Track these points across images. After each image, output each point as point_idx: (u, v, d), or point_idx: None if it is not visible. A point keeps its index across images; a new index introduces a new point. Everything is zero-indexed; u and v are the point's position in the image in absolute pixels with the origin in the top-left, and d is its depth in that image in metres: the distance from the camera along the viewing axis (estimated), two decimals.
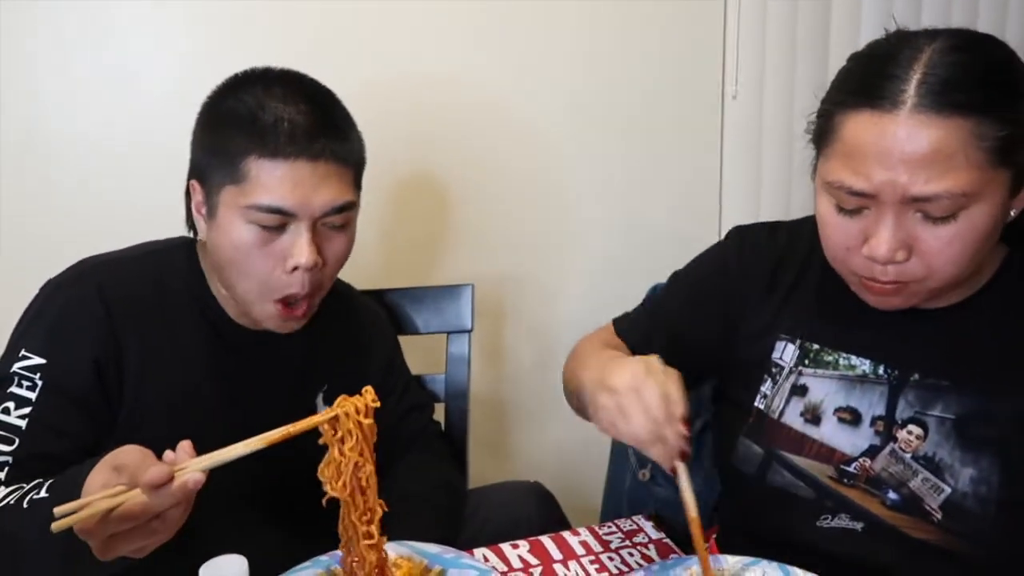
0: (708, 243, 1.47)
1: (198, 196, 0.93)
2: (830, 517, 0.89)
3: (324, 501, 0.74)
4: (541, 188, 1.56)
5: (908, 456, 0.87)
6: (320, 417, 0.72)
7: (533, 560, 0.93)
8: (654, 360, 0.82)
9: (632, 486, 1.29)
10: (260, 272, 0.90)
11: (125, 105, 1.33)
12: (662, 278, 1.30)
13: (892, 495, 0.87)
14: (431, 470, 1.07)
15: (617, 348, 1.03)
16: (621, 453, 1.33)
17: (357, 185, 0.95)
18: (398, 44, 1.42)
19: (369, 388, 0.75)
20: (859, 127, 0.77)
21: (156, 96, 1.33)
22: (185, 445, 0.71)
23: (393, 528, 0.80)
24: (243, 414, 0.96)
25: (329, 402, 0.76)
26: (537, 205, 1.57)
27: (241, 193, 0.88)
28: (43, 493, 0.77)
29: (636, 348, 1.02)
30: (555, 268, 1.58)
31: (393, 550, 0.90)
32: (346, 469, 0.74)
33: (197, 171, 0.94)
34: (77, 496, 0.69)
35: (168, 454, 0.69)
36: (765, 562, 0.85)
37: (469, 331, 1.27)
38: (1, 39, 1.25)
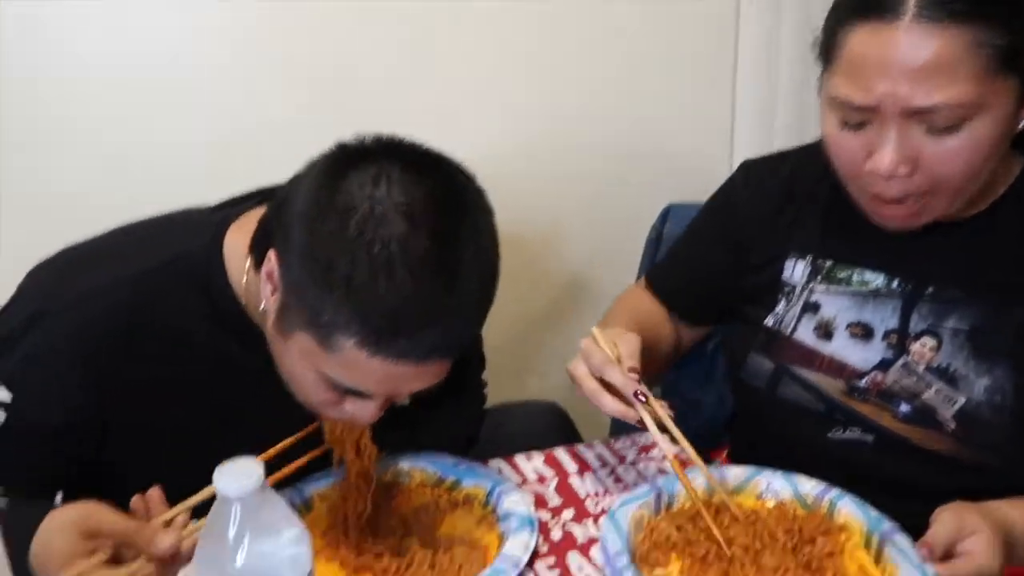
0: (720, 165, 1.45)
1: (271, 267, 0.73)
2: (841, 430, 0.91)
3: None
4: (548, 111, 1.51)
5: (921, 368, 0.87)
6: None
7: (548, 472, 0.94)
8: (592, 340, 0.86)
9: None
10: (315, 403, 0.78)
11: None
12: (675, 200, 1.30)
13: (904, 407, 0.88)
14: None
15: (649, 300, 1.09)
16: None
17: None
18: None
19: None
20: (861, 40, 0.77)
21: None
22: (155, 495, 0.69)
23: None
24: (256, 442, 0.77)
25: None
26: (547, 130, 1.53)
27: (322, 359, 0.71)
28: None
29: (664, 295, 1.09)
30: (564, 194, 1.56)
31: (407, 461, 0.92)
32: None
33: (281, 255, 0.71)
34: (26, 545, 0.66)
35: (139, 503, 0.68)
36: (769, 471, 0.87)
37: None
38: None
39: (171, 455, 0.74)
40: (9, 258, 0.95)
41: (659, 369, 1.07)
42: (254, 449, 0.61)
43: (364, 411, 0.76)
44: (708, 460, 0.95)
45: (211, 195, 0.92)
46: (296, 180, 0.73)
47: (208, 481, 0.57)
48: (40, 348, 0.79)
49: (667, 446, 0.84)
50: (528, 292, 1.53)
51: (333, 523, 0.83)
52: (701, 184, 1.12)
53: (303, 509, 0.86)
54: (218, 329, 0.81)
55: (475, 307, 0.72)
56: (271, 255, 0.72)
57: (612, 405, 0.82)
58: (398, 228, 0.66)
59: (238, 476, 0.55)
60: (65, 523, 0.66)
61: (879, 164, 0.79)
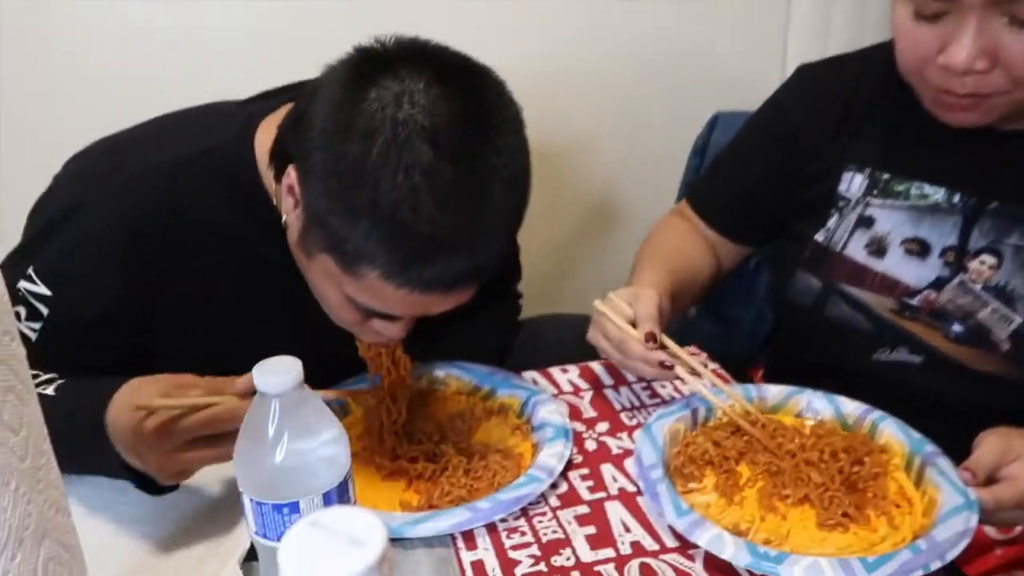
0: (773, 70, 1.37)
1: (291, 182, 0.70)
2: (888, 350, 0.88)
3: None
4: (586, 5, 1.43)
5: (978, 287, 0.84)
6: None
7: (583, 384, 0.93)
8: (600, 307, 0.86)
9: (678, 322, 1.28)
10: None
11: None
12: (724, 108, 1.24)
13: (957, 327, 0.85)
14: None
15: (689, 219, 1.05)
16: None
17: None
18: None
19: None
20: None
21: None
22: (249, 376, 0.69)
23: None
24: (293, 339, 0.74)
25: None
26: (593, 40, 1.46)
27: (346, 283, 0.70)
28: (50, 391, 0.74)
29: (706, 211, 1.03)
30: (604, 100, 1.50)
31: (442, 369, 0.91)
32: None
33: (302, 173, 0.69)
34: (102, 402, 0.68)
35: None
36: (810, 391, 0.85)
37: None
38: None
39: (209, 350, 0.74)
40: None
41: (697, 301, 1.04)
42: (290, 345, 0.60)
43: (391, 330, 0.75)
44: (746, 379, 0.93)
45: None
46: (314, 90, 0.69)
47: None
48: (78, 240, 0.78)
49: (713, 398, 0.83)
50: (564, 204, 1.49)
51: (369, 428, 0.84)
52: (752, 91, 1.06)
53: (339, 412, 0.86)
54: (250, 224, 0.80)
55: (504, 231, 0.69)
56: (291, 171, 0.70)
57: (646, 371, 0.82)
58: (423, 155, 0.63)
59: (277, 373, 0.54)
60: (151, 379, 0.68)
61: (954, 58, 0.74)
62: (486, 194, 0.66)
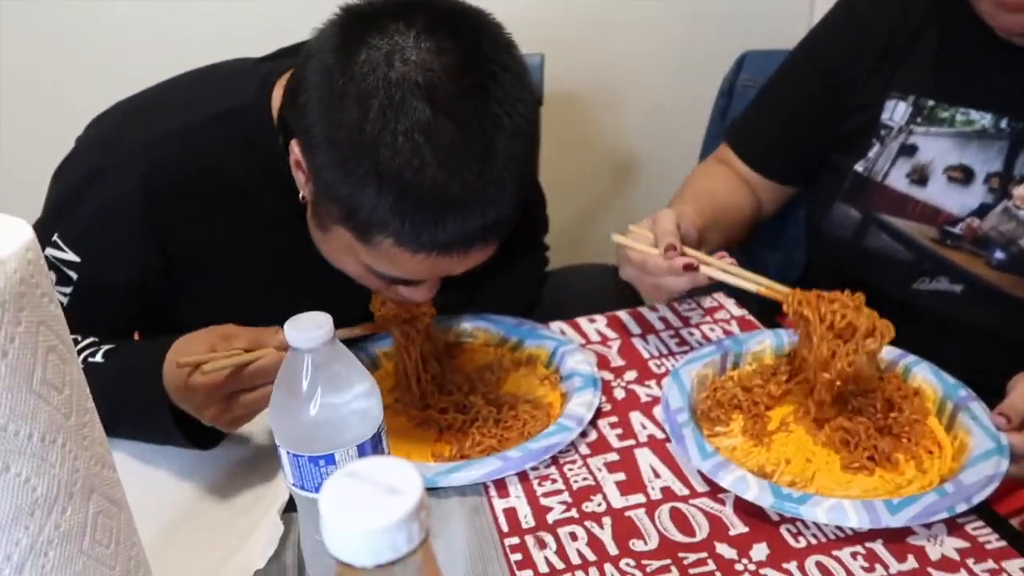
0: (800, 8, 1.32)
1: (297, 157, 0.70)
2: (928, 279, 0.88)
3: None
4: None
5: (1022, 212, 0.83)
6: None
7: (611, 334, 0.93)
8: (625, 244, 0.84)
9: None
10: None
11: None
12: (751, 47, 1.21)
13: (999, 254, 0.85)
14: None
15: (728, 163, 1.03)
16: None
17: None
18: None
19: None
20: None
21: None
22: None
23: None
24: (314, 295, 0.74)
25: None
26: None
27: (363, 252, 0.69)
28: (98, 358, 0.75)
29: (746, 156, 1.02)
30: (626, 40, 1.46)
31: (469, 322, 0.92)
32: None
33: (305, 148, 0.67)
34: (155, 364, 0.69)
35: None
36: None
37: (539, 106, 1.20)
38: None
39: (234, 308, 0.75)
40: None
41: (734, 240, 1.02)
42: (313, 301, 0.61)
43: (416, 294, 0.75)
44: (774, 325, 0.93)
45: None
46: (306, 58, 0.67)
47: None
48: (102, 204, 0.78)
49: (749, 285, 0.80)
50: (588, 151, 1.47)
51: (398, 380, 0.85)
52: (780, 28, 1.04)
53: (369, 366, 0.87)
54: (270, 186, 0.79)
55: (512, 183, 0.66)
56: (294, 147, 0.69)
57: (677, 282, 0.79)
58: (421, 115, 0.62)
59: (308, 328, 0.55)
60: (201, 331, 0.70)
61: None
62: (490, 147, 0.64)
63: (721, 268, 0.81)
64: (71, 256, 0.79)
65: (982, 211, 0.85)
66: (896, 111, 0.89)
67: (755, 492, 0.67)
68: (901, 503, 0.65)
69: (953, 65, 0.87)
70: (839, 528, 0.66)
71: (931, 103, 0.88)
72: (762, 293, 0.79)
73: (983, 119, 0.85)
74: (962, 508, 0.65)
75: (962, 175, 0.86)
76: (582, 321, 0.95)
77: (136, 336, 0.87)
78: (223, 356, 0.67)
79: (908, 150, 0.89)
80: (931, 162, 0.87)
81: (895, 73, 0.90)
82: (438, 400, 0.82)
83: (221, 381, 0.67)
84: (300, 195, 0.73)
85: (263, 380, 0.67)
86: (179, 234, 0.80)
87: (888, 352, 0.82)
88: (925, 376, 0.79)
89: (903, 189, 0.89)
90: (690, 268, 0.78)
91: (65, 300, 0.79)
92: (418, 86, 0.62)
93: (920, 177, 0.88)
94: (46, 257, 0.78)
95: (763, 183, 1.02)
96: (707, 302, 0.97)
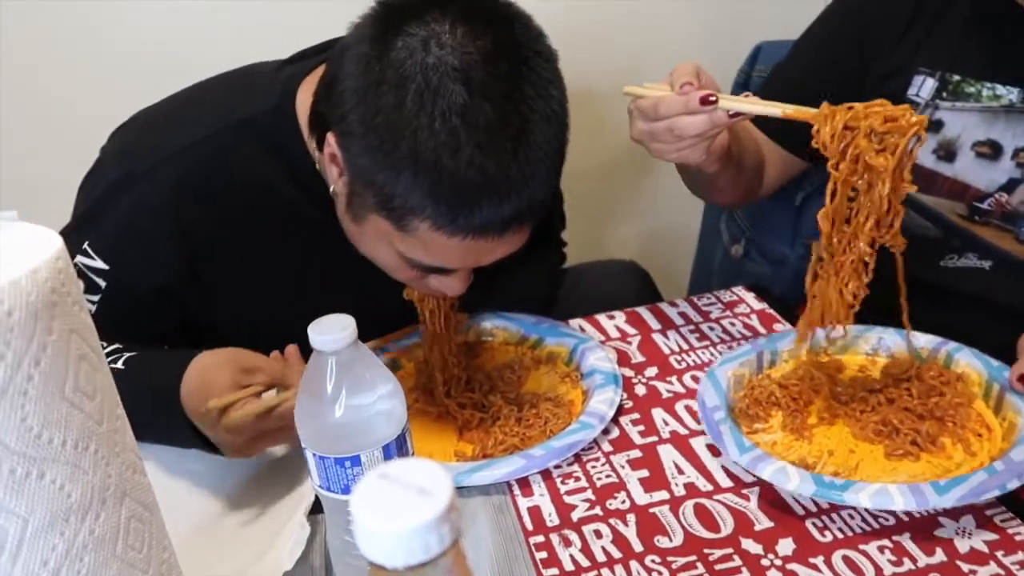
0: None
1: (332, 149, 0.70)
2: (956, 256, 0.88)
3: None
4: None
5: None
6: None
7: (631, 330, 0.93)
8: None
9: (723, 263, 1.27)
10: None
11: None
12: (767, 38, 1.20)
13: None
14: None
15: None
16: (712, 230, 1.29)
17: None
18: None
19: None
20: None
21: None
22: (293, 350, 0.72)
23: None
24: (342, 297, 0.73)
25: None
26: None
27: (399, 240, 0.70)
28: (119, 365, 0.76)
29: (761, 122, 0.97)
30: (641, 30, 1.45)
31: (489, 321, 0.92)
32: None
33: (341, 137, 0.68)
34: (172, 385, 0.71)
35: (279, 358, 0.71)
36: (880, 328, 0.83)
37: None
38: None
39: (262, 313, 0.75)
40: None
41: (740, 182, 0.95)
42: (340, 304, 0.61)
43: (449, 285, 0.75)
44: (791, 317, 0.92)
45: None
46: (342, 50, 0.68)
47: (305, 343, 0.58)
48: (130, 212, 0.79)
49: (773, 110, 0.72)
50: (603, 145, 1.46)
51: (420, 380, 0.85)
52: (796, 19, 1.02)
53: (391, 367, 0.87)
54: (297, 190, 0.80)
55: (548, 166, 0.68)
56: (330, 138, 0.69)
57: (692, 122, 0.72)
58: (457, 97, 0.63)
59: (332, 330, 0.55)
60: (221, 360, 0.71)
61: None
62: (525, 130, 0.65)
63: (740, 99, 0.74)
64: (100, 264, 0.80)
65: (1011, 186, 0.85)
66: (924, 87, 0.89)
67: (796, 483, 0.66)
68: (949, 483, 0.63)
69: (980, 39, 0.86)
70: (865, 522, 0.66)
71: (956, 78, 0.87)
72: (788, 116, 0.72)
73: (1010, 94, 0.85)
74: (1014, 485, 0.63)
75: (990, 150, 0.86)
76: (601, 318, 0.95)
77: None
78: (250, 398, 0.69)
79: (934, 126, 0.88)
80: (958, 137, 0.87)
81: (922, 46, 0.89)
82: (459, 392, 0.82)
83: (250, 423, 0.69)
84: (331, 189, 0.74)
85: (289, 422, 0.66)
86: (208, 239, 0.81)
87: (928, 340, 0.81)
88: (969, 361, 0.78)
89: (930, 166, 0.88)
90: (707, 101, 0.71)
91: (93, 308, 0.80)
92: (455, 69, 0.63)
93: (947, 153, 0.87)
94: (75, 265, 0.80)
95: (774, 153, 0.98)
96: (726, 296, 0.97)
